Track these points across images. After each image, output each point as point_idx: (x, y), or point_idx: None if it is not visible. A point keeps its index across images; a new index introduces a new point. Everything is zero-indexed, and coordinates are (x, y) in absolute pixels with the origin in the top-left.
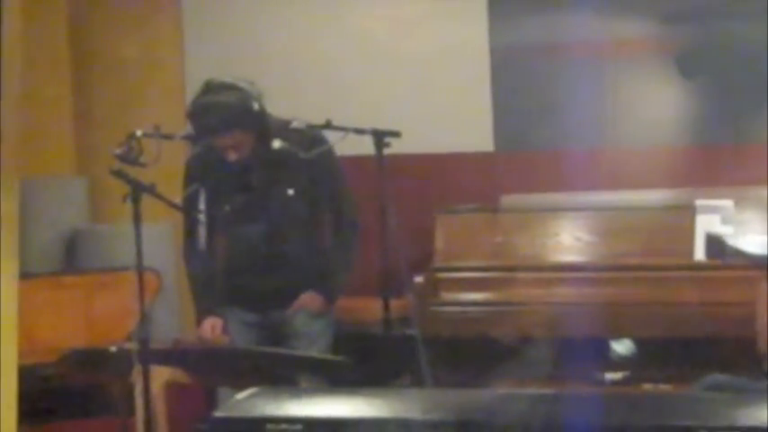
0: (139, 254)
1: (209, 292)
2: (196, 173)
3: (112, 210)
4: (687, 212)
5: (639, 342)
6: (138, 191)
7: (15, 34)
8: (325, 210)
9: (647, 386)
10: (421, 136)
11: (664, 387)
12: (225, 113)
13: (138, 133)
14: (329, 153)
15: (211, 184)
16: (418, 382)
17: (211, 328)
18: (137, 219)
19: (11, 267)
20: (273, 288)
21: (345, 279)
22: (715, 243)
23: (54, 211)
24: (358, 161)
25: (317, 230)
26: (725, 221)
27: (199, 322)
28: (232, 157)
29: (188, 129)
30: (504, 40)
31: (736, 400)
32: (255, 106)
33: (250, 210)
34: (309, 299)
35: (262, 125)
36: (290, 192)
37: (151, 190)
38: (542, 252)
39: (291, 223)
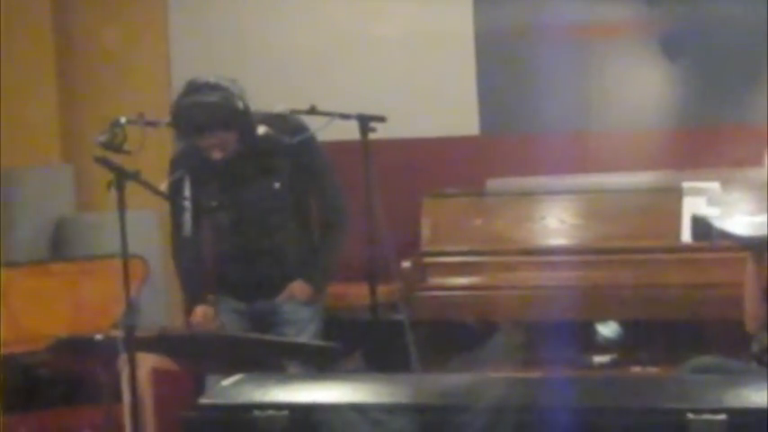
0: (124, 241)
1: (198, 280)
2: (181, 166)
3: (99, 197)
4: (673, 195)
5: (626, 325)
6: (122, 178)
7: None
8: (311, 199)
9: (635, 369)
10: (406, 120)
11: (651, 370)
12: (208, 114)
13: (122, 120)
14: (312, 141)
15: (197, 179)
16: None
17: (203, 315)
18: (121, 206)
19: None
20: (262, 278)
21: (334, 267)
22: (701, 224)
23: (40, 199)
24: (343, 146)
25: (304, 220)
26: (711, 203)
27: (189, 310)
28: (216, 156)
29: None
30: (488, 24)
31: (723, 381)
32: (239, 105)
33: (237, 205)
34: (298, 288)
35: (244, 123)
36: (277, 185)
37: (135, 177)
38: (528, 235)
39: (279, 216)
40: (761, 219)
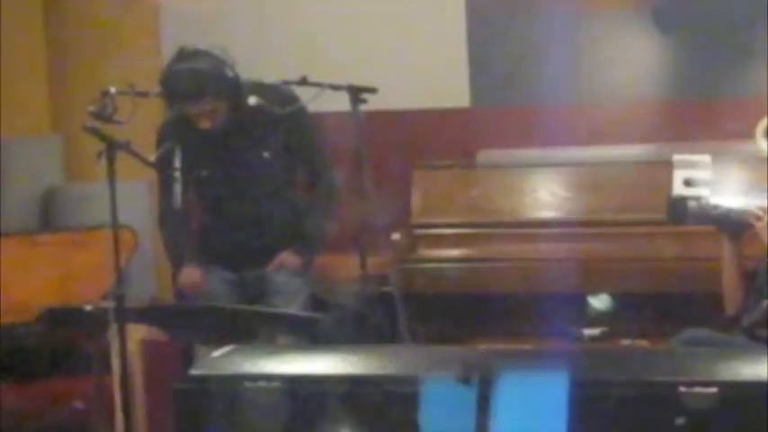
0: (114, 212)
1: (185, 244)
2: (170, 135)
3: (88, 168)
4: (664, 167)
5: (616, 297)
6: (112, 148)
7: None
8: (300, 169)
9: (625, 341)
10: (396, 92)
11: (641, 342)
12: (198, 80)
13: (112, 90)
14: (302, 112)
15: (186, 148)
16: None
17: (190, 276)
18: (111, 176)
19: None
20: (251, 248)
21: (322, 238)
22: (677, 206)
23: (29, 169)
24: (334, 118)
25: (293, 190)
26: (689, 184)
27: (176, 272)
28: (205, 125)
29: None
30: None
31: (714, 354)
32: (228, 73)
33: (226, 175)
34: (287, 258)
35: (235, 92)
36: (266, 154)
37: (126, 147)
38: (519, 208)
39: (268, 185)
40: (736, 201)
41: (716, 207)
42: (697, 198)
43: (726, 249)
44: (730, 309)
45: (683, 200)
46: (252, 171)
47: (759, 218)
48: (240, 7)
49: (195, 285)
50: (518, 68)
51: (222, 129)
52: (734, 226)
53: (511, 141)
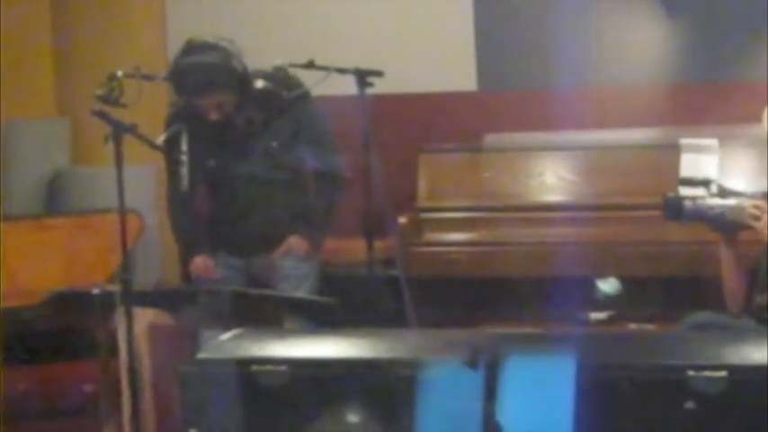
0: (121, 195)
1: (196, 231)
2: (179, 118)
3: (94, 151)
4: (672, 151)
5: (624, 281)
6: (119, 131)
7: None
8: (308, 156)
9: (632, 325)
10: (404, 76)
11: (648, 326)
12: (207, 75)
13: (119, 74)
14: (307, 97)
15: (194, 133)
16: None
17: (203, 265)
18: (118, 160)
19: None
20: (259, 233)
21: (330, 222)
22: (673, 205)
23: (35, 153)
24: (341, 101)
25: (300, 175)
26: (701, 173)
27: (187, 261)
28: (214, 116)
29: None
30: None
31: (723, 338)
32: (237, 66)
33: (234, 161)
34: (295, 243)
35: (243, 84)
36: (274, 143)
37: (132, 130)
38: (526, 191)
39: (276, 172)
40: (732, 201)
41: (711, 207)
42: (693, 198)
43: (722, 249)
44: (732, 307)
45: (678, 199)
46: (260, 158)
47: (757, 217)
48: None
49: (208, 275)
50: (525, 52)
51: (230, 120)
52: (730, 226)
53: (518, 125)
